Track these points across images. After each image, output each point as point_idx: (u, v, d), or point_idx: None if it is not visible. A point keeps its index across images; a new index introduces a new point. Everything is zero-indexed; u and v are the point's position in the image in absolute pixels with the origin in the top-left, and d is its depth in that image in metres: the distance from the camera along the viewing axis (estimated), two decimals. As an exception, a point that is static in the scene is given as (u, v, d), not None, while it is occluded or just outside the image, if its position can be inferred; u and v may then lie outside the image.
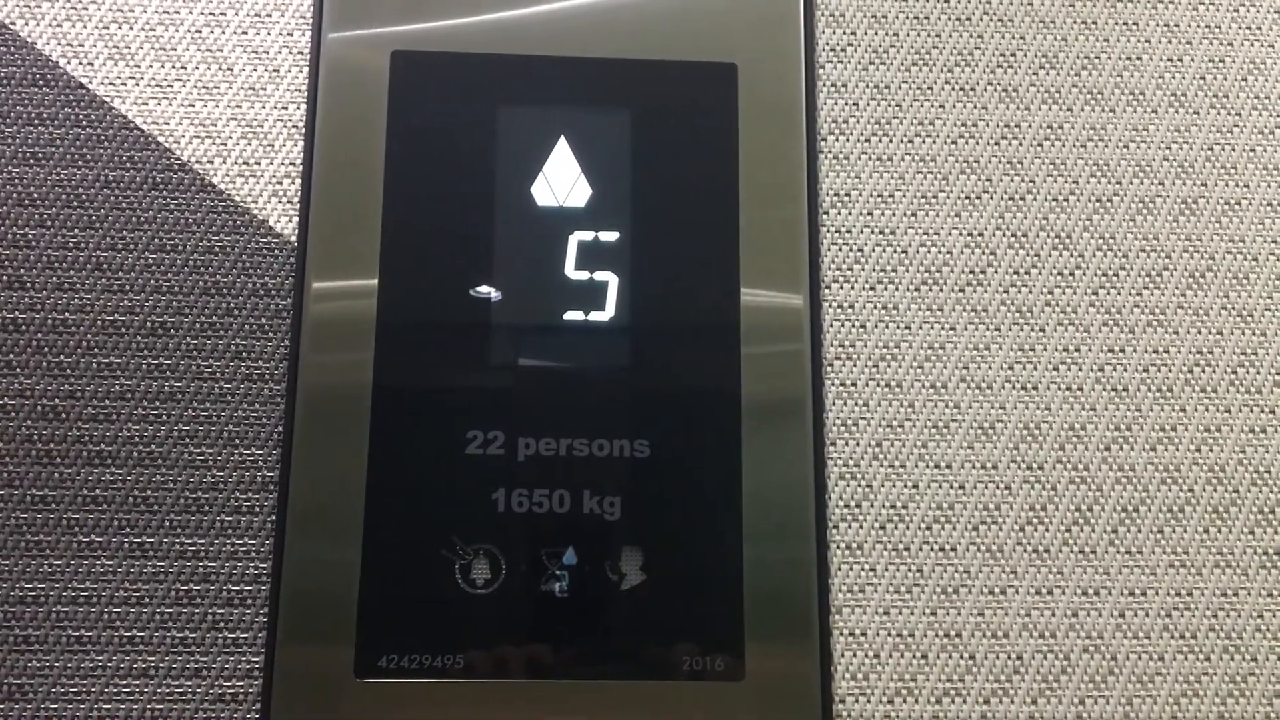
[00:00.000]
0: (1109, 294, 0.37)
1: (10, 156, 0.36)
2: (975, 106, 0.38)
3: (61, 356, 0.35)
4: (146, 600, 0.34)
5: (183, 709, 0.33)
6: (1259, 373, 0.37)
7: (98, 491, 0.34)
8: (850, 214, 0.37)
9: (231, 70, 0.37)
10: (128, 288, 0.35)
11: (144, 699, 0.33)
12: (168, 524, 0.34)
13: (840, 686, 0.34)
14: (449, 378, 0.34)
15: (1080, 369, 0.36)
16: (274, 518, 0.34)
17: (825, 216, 0.37)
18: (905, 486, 0.35)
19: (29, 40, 0.37)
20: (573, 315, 0.35)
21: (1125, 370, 0.36)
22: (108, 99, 0.36)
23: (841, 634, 0.34)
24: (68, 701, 0.33)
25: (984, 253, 0.37)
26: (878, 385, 0.36)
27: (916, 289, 0.37)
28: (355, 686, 0.32)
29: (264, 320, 0.35)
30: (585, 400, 0.35)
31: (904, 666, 0.34)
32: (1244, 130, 0.38)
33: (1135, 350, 0.37)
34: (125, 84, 0.37)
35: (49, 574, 0.34)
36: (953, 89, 0.38)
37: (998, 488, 0.35)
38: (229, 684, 0.33)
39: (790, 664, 0.33)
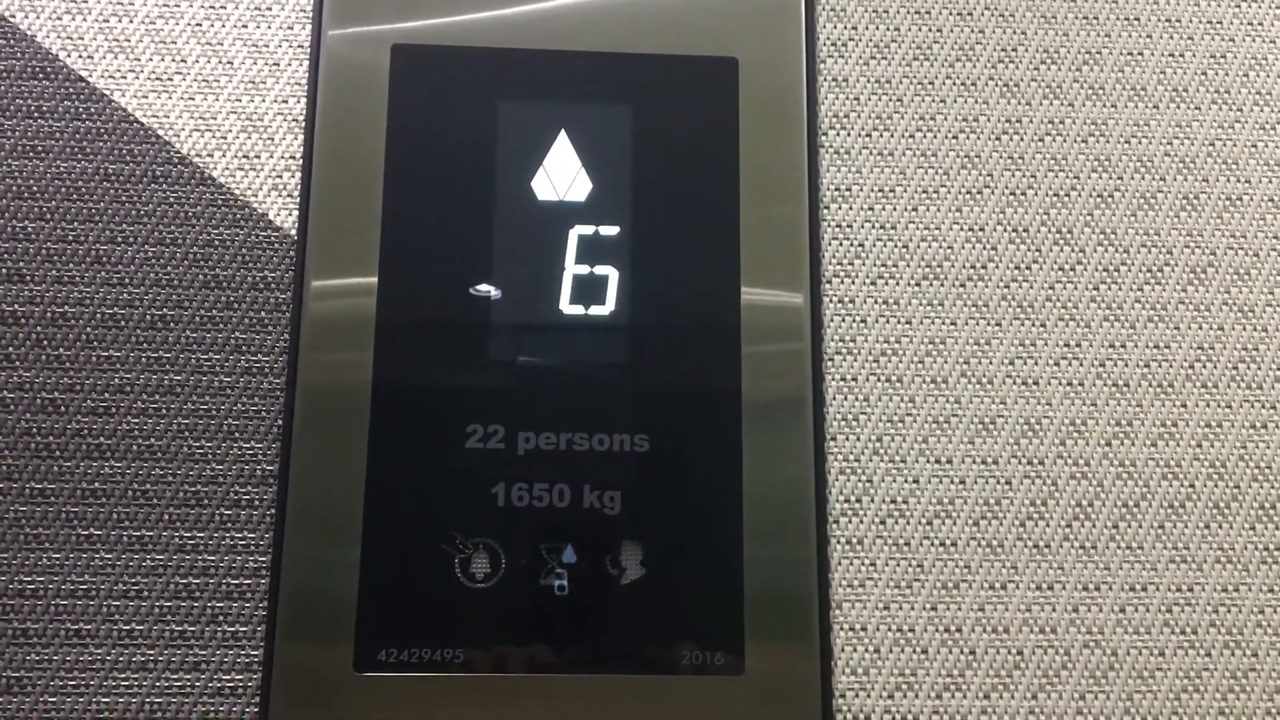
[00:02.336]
0: (1110, 289, 0.37)
1: (10, 149, 0.36)
2: (976, 101, 0.38)
3: (61, 349, 0.35)
4: (145, 594, 0.33)
5: (181, 702, 0.33)
6: (1260, 368, 0.37)
7: (97, 485, 0.34)
8: (851, 209, 0.37)
9: (231, 64, 0.37)
10: (127, 281, 0.35)
11: (143, 692, 0.33)
12: (167, 517, 0.34)
13: (840, 682, 0.34)
14: (449, 371, 0.34)
15: (1081, 364, 0.36)
16: (273, 511, 0.34)
17: (826, 211, 0.37)
18: (906, 482, 0.35)
19: (29, 33, 0.37)
20: (573, 310, 0.35)
21: (1126, 365, 0.36)
22: (107, 92, 0.36)
23: (842, 629, 0.34)
24: (66, 695, 0.33)
25: (985, 248, 0.37)
26: (878, 380, 0.36)
27: (917, 284, 0.37)
28: (354, 680, 0.32)
29: (263, 314, 0.35)
30: (586, 395, 0.34)
31: (904, 662, 0.34)
32: (1245, 125, 0.38)
33: (1136, 345, 0.36)
34: (125, 77, 0.37)
35: (48, 567, 0.34)
36: (954, 84, 0.38)
37: (998, 483, 0.35)
38: (228, 678, 0.33)
39: (790, 659, 0.33)
